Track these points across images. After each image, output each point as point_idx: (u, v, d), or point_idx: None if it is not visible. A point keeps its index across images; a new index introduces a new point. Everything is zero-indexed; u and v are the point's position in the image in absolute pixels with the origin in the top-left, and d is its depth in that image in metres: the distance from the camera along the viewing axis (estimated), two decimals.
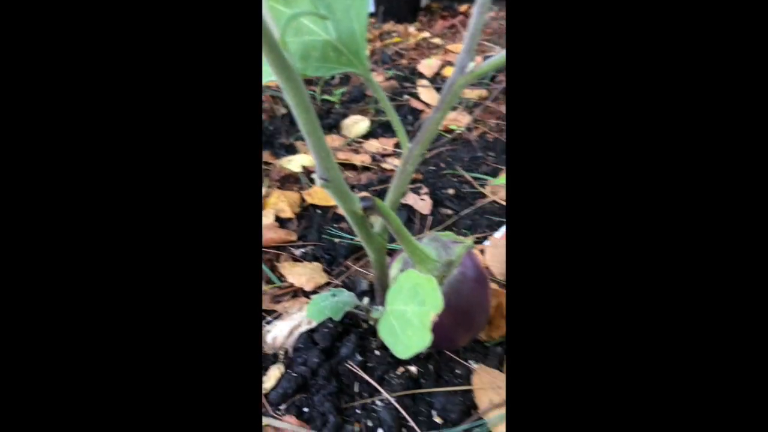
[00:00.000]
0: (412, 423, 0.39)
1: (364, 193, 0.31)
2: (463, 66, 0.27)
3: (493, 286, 0.51)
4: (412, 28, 1.49)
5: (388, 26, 1.53)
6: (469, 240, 0.38)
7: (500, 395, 0.40)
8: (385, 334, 0.32)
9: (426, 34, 1.40)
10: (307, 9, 0.29)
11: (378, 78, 1.08)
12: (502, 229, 0.60)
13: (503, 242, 0.55)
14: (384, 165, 0.77)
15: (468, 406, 0.40)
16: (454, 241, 0.39)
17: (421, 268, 0.36)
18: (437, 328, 0.37)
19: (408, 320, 0.31)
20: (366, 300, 0.45)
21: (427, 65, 1.13)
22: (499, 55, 0.26)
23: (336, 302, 0.39)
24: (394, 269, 0.41)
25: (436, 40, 1.35)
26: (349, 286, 0.53)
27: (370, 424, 0.39)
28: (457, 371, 0.43)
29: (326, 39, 0.29)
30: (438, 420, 0.39)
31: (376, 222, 0.38)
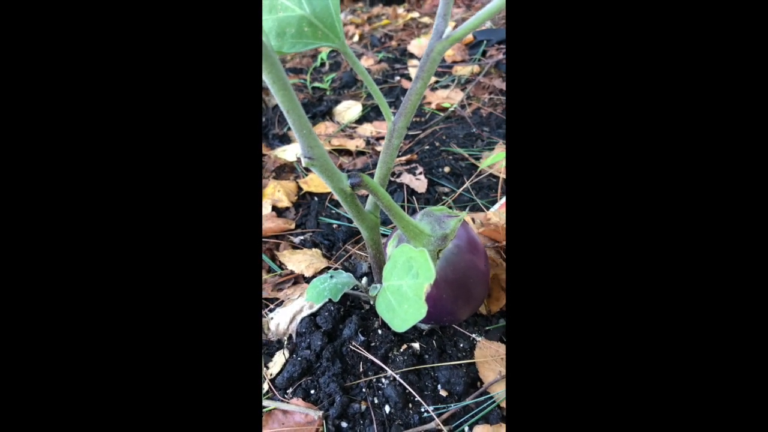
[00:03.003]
0: (418, 398, 0.39)
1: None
2: (440, 31, 0.26)
3: (490, 254, 0.51)
4: (400, 10, 1.47)
5: (377, 10, 1.51)
6: (462, 213, 0.38)
7: (504, 366, 0.40)
8: (382, 309, 0.32)
9: (415, 15, 1.38)
10: None
11: (368, 61, 1.06)
12: (496, 205, 0.60)
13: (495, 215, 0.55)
14: (378, 148, 0.77)
15: (473, 379, 0.40)
16: (448, 215, 0.38)
17: (416, 243, 0.36)
18: (437, 302, 0.37)
19: (404, 294, 0.30)
20: (365, 280, 0.45)
21: (417, 45, 1.12)
22: (474, 17, 0.25)
23: (335, 283, 0.39)
24: (390, 247, 0.41)
25: (425, 20, 1.34)
26: (349, 269, 0.53)
27: (376, 401, 0.39)
28: (460, 345, 0.43)
29: (301, 14, 0.29)
30: (443, 393, 0.39)
31: (369, 201, 0.37)
